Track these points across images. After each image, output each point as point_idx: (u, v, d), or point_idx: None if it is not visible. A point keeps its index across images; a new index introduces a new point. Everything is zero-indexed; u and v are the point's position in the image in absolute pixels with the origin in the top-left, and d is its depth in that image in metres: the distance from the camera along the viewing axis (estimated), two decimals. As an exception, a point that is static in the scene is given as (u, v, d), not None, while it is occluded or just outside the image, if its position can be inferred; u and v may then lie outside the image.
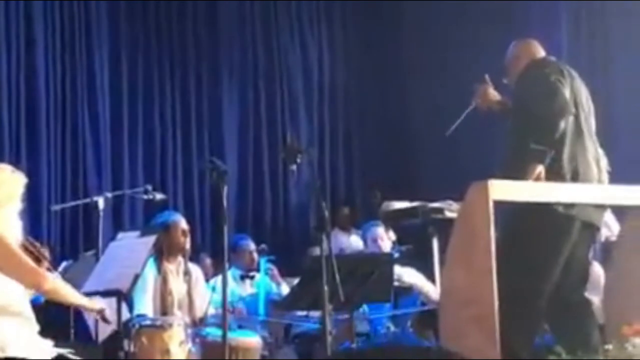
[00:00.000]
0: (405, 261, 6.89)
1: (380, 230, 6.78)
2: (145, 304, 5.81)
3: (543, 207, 4.17)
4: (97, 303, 4.28)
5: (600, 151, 4.59)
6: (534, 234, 4.26)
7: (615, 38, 7.89)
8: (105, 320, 4.29)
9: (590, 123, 4.56)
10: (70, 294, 4.12)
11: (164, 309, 5.90)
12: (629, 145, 7.30)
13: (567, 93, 4.36)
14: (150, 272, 5.82)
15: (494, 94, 4.73)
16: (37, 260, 4.37)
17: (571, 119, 4.42)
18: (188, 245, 6.14)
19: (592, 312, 4.52)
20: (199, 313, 6.03)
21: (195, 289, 6.12)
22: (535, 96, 4.40)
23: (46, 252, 5.63)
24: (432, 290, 6.31)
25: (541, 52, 4.76)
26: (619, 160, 4.92)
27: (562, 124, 4.35)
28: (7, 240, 3.93)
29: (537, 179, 4.26)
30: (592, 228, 4.50)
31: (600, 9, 8.48)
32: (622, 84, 7.44)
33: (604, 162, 4.58)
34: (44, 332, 4.07)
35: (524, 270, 4.11)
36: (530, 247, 4.24)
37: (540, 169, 4.27)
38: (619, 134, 7.44)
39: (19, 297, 4.02)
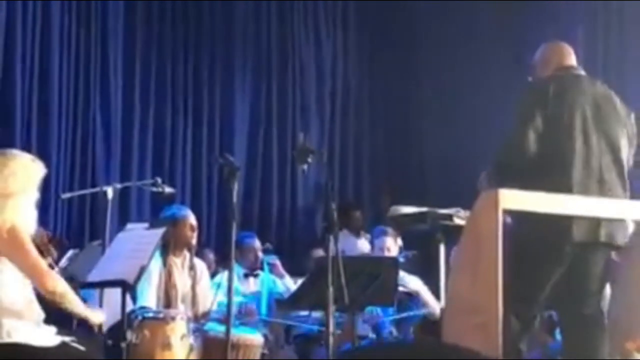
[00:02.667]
0: (410, 267, 6.90)
1: (389, 240, 6.77)
2: (149, 297, 5.82)
3: (542, 224, 4.17)
4: (99, 315, 4.29)
5: (612, 169, 4.56)
6: (528, 246, 4.26)
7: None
8: (100, 331, 4.32)
9: (594, 138, 4.52)
10: (75, 303, 4.12)
11: (168, 302, 5.91)
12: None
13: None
14: (155, 265, 5.83)
15: None
16: (41, 253, 4.39)
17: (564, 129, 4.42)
18: (195, 241, 6.15)
19: (603, 325, 4.51)
20: (202, 308, 6.04)
21: (200, 284, 6.13)
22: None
23: (52, 249, 5.69)
24: (434, 303, 6.33)
25: (570, 59, 4.71)
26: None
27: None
28: (23, 234, 3.94)
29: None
30: (593, 246, 4.49)
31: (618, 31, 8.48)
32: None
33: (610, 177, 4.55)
34: (47, 320, 4.09)
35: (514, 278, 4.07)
36: (523, 257, 4.22)
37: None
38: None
39: (26, 283, 4.04)
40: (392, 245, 6.83)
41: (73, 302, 4.10)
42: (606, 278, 4.63)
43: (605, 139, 4.52)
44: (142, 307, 5.69)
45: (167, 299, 5.93)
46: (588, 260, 4.46)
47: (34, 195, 4.07)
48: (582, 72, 4.71)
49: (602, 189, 4.47)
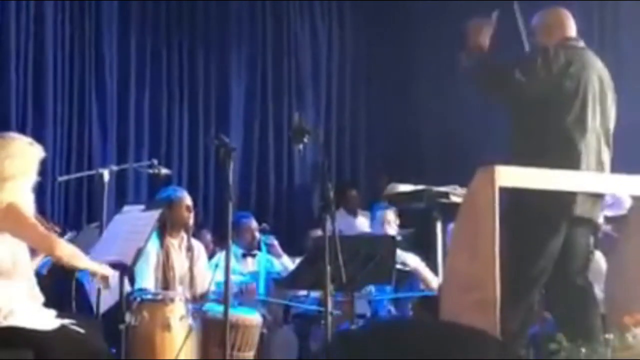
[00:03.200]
0: (407, 245, 6.92)
1: (390, 213, 6.79)
2: (147, 278, 5.83)
3: (537, 198, 4.17)
4: (107, 269, 4.30)
5: (606, 150, 4.57)
6: (523, 223, 4.26)
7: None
8: (106, 285, 4.32)
9: (598, 118, 4.53)
10: (84, 260, 4.18)
11: (166, 283, 5.92)
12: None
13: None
14: (152, 247, 5.84)
15: (485, 35, 4.59)
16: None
17: (576, 106, 4.42)
18: (191, 221, 6.16)
19: (594, 297, 4.53)
20: (200, 289, 6.05)
21: (197, 265, 6.14)
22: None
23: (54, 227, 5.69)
24: (432, 279, 6.34)
25: (572, 28, 4.68)
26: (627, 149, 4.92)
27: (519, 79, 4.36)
28: (22, 209, 3.95)
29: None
30: (588, 222, 4.50)
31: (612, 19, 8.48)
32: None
33: (606, 158, 4.56)
34: (46, 303, 4.10)
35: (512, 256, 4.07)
36: (519, 235, 4.23)
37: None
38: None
39: (26, 266, 4.04)
40: (393, 219, 6.84)
41: (82, 260, 4.16)
42: (590, 256, 4.65)
43: (602, 118, 4.54)
44: (141, 289, 5.70)
45: (165, 280, 5.94)
46: (579, 235, 4.47)
47: (32, 178, 4.07)
48: (583, 44, 4.68)
49: (599, 169, 4.49)
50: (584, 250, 4.54)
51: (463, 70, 4.62)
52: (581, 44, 4.66)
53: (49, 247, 4.00)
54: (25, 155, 4.06)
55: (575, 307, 4.44)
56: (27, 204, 4.04)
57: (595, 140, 4.47)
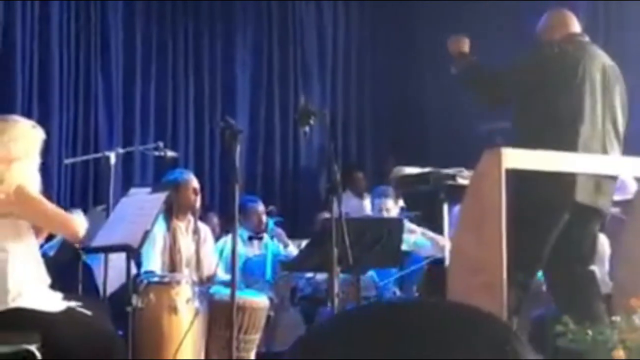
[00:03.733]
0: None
1: (389, 202, 6.78)
2: (154, 261, 5.83)
3: (538, 184, 4.17)
4: None
5: (614, 145, 4.56)
6: (524, 209, 4.26)
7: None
8: None
9: (600, 110, 4.52)
10: None
11: (173, 266, 5.92)
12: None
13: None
14: (159, 229, 5.84)
15: (464, 44, 4.84)
16: None
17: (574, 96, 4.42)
18: (198, 204, 6.15)
19: (596, 284, 4.53)
20: (206, 272, 6.05)
21: (204, 247, 6.14)
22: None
23: None
24: (440, 239, 6.30)
25: (575, 26, 4.73)
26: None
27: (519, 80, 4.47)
28: (31, 190, 3.96)
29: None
30: (593, 211, 4.50)
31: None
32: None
33: (613, 151, 4.55)
34: (52, 285, 4.11)
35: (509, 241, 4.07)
36: (518, 220, 4.22)
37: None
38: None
39: (33, 248, 4.05)
40: (392, 207, 6.83)
41: None
42: (596, 244, 4.67)
43: (609, 110, 4.53)
44: (147, 272, 5.70)
45: (172, 263, 5.94)
46: (582, 223, 4.47)
47: (36, 160, 4.09)
48: (588, 39, 4.71)
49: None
50: (588, 239, 4.54)
51: (457, 80, 4.80)
52: (586, 38, 4.69)
53: (63, 225, 4.02)
54: (29, 137, 4.08)
55: (576, 294, 4.44)
56: (34, 184, 4.05)
57: (596, 132, 4.47)
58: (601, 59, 4.60)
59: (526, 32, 5.03)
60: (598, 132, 4.47)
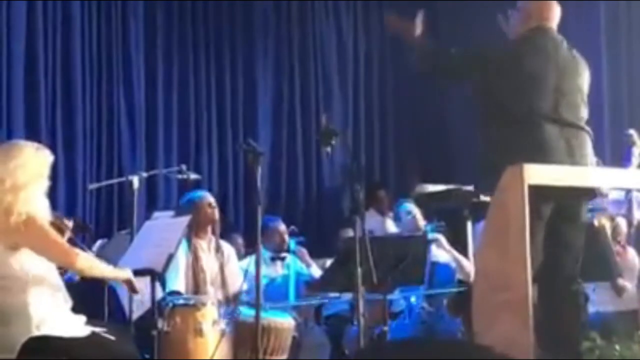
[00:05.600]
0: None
1: (414, 207, 6.77)
2: (178, 281, 5.84)
3: None
4: (126, 272, 4.31)
5: (585, 138, 4.49)
6: None
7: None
8: (133, 290, 4.33)
9: (568, 106, 4.45)
10: (100, 269, 4.19)
11: (196, 285, 5.93)
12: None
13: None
14: (181, 249, 5.84)
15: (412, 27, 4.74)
16: (60, 230, 4.45)
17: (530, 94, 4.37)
18: (217, 217, 6.17)
19: (581, 303, 4.45)
20: (232, 290, 6.05)
21: (228, 265, 6.16)
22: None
23: (70, 223, 5.74)
24: (466, 263, 6.28)
25: (550, 20, 4.60)
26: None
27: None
28: (40, 222, 3.96)
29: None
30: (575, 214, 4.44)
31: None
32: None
33: (586, 151, 4.47)
34: (78, 311, 4.12)
35: None
36: None
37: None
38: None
39: (53, 273, 4.06)
40: (418, 212, 6.81)
41: (101, 269, 4.19)
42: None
43: (572, 105, 4.46)
44: (172, 292, 5.70)
45: (196, 282, 5.95)
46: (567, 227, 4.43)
47: (44, 184, 4.09)
48: (555, 33, 4.60)
49: (570, 152, 4.39)
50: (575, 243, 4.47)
51: (413, 67, 4.66)
52: (550, 34, 4.57)
53: (69, 262, 4.00)
54: (35, 161, 4.07)
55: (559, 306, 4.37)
56: (43, 211, 4.05)
57: (558, 128, 4.38)
58: (561, 53, 4.51)
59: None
60: (562, 131, 4.39)
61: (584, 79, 4.56)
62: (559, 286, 4.39)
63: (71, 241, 4.68)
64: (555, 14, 4.62)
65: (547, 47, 4.49)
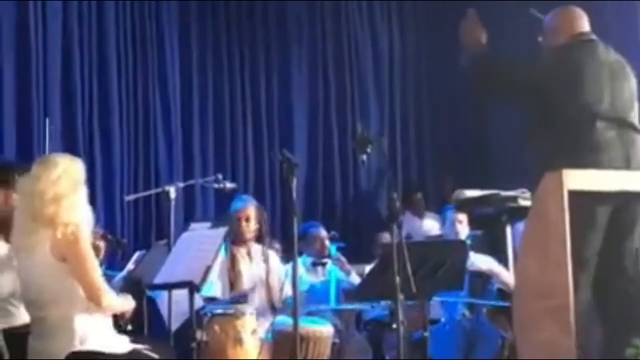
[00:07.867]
0: (477, 247, 6.84)
1: (460, 215, 6.74)
2: (214, 285, 5.84)
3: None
4: (129, 302, 4.38)
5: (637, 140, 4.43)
6: None
7: None
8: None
9: (617, 111, 4.41)
10: (118, 306, 4.27)
11: (233, 289, 5.95)
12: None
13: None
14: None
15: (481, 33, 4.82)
16: (95, 249, 4.51)
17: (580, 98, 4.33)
18: (250, 233, 6.17)
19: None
20: (276, 297, 6.06)
21: (272, 274, 6.16)
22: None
23: (102, 244, 5.82)
24: (508, 276, 6.24)
25: (581, 26, 4.60)
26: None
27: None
28: (84, 244, 3.98)
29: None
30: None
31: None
32: None
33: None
34: (119, 324, 4.15)
35: None
36: None
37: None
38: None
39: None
40: (463, 217, 6.78)
41: (118, 307, 4.26)
42: None
43: (620, 109, 4.41)
44: (209, 299, 5.69)
45: (232, 285, 5.97)
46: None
47: (83, 191, 4.15)
48: (595, 37, 4.58)
49: (625, 154, 4.35)
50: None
51: (464, 71, 4.60)
52: (590, 37, 4.56)
53: (96, 297, 4.00)
54: (71, 171, 4.14)
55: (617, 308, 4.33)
56: (86, 217, 4.10)
57: (611, 131, 4.34)
58: (608, 58, 4.48)
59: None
60: (613, 135, 4.35)
61: (632, 82, 4.54)
62: (620, 288, 4.35)
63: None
64: (584, 19, 4.61)
65: (597, 50, 4.48)
